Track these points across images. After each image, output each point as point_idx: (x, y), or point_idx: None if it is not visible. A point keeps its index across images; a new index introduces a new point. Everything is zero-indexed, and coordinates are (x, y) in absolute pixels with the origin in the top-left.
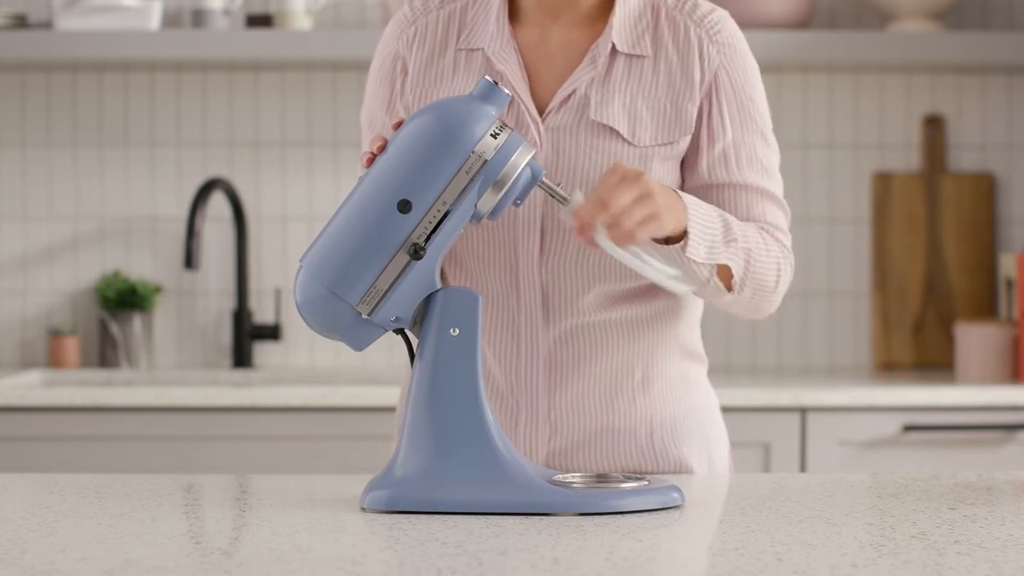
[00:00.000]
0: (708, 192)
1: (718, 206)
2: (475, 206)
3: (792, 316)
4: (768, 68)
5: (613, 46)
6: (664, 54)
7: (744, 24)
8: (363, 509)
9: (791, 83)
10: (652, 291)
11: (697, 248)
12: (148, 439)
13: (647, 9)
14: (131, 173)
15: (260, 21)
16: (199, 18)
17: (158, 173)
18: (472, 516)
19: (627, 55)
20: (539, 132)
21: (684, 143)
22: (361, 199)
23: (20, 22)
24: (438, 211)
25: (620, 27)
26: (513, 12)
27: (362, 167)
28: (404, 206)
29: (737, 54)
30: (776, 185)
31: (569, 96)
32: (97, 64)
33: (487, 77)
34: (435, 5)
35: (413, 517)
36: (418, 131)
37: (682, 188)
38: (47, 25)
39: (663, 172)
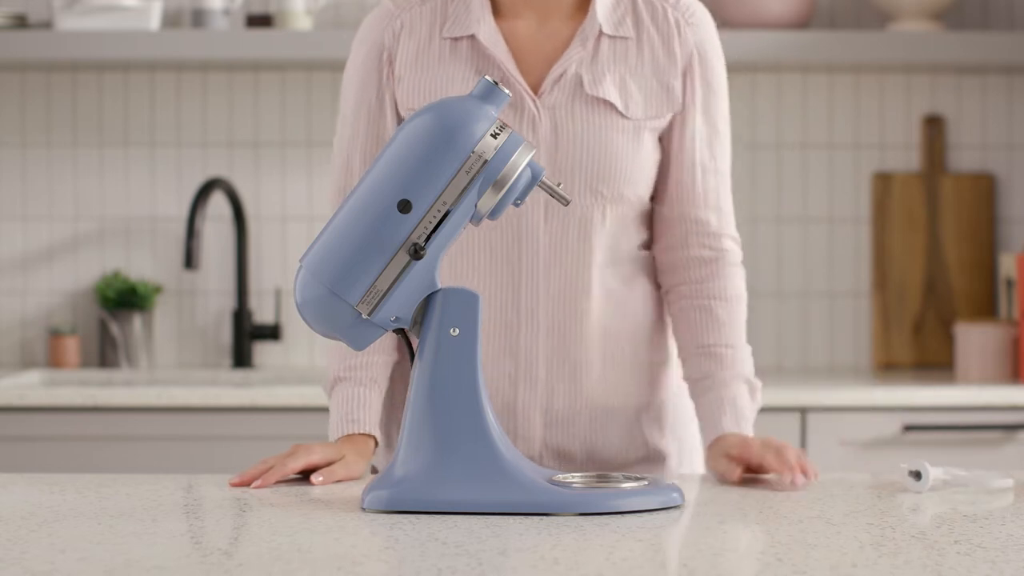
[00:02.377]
0: (681, 168)
1: (684, 182)
2: (475, 206)
3: (792, 316)
4: (768, 68)
5: (600, 29)
6: (646, 35)
7: (744, 24)
8: (363, 509)
9: (791, 83)
10: (640, 268)
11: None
12: (148, 439)
13: None
14: (131, 173)
15: (260, 21)
16: (199, 18)
17: (158, 173)
18: (472, 516)
19: (612, 37)
20: (537, 108)
21: (669, 118)
22: (361, 199)
23: (20, 22)
24: (438, 211)
25: (603, 11)
26: (494, 7)
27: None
28: (404, 206)
29: (710, 36)
30: (727, 169)
31: (561, 76)
32: (97, 64)
33: (486, 77)
34: (417, 1)
35: (413, 517)
36: (418, 131)
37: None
38: (47, 25)
39: (651, 143)
